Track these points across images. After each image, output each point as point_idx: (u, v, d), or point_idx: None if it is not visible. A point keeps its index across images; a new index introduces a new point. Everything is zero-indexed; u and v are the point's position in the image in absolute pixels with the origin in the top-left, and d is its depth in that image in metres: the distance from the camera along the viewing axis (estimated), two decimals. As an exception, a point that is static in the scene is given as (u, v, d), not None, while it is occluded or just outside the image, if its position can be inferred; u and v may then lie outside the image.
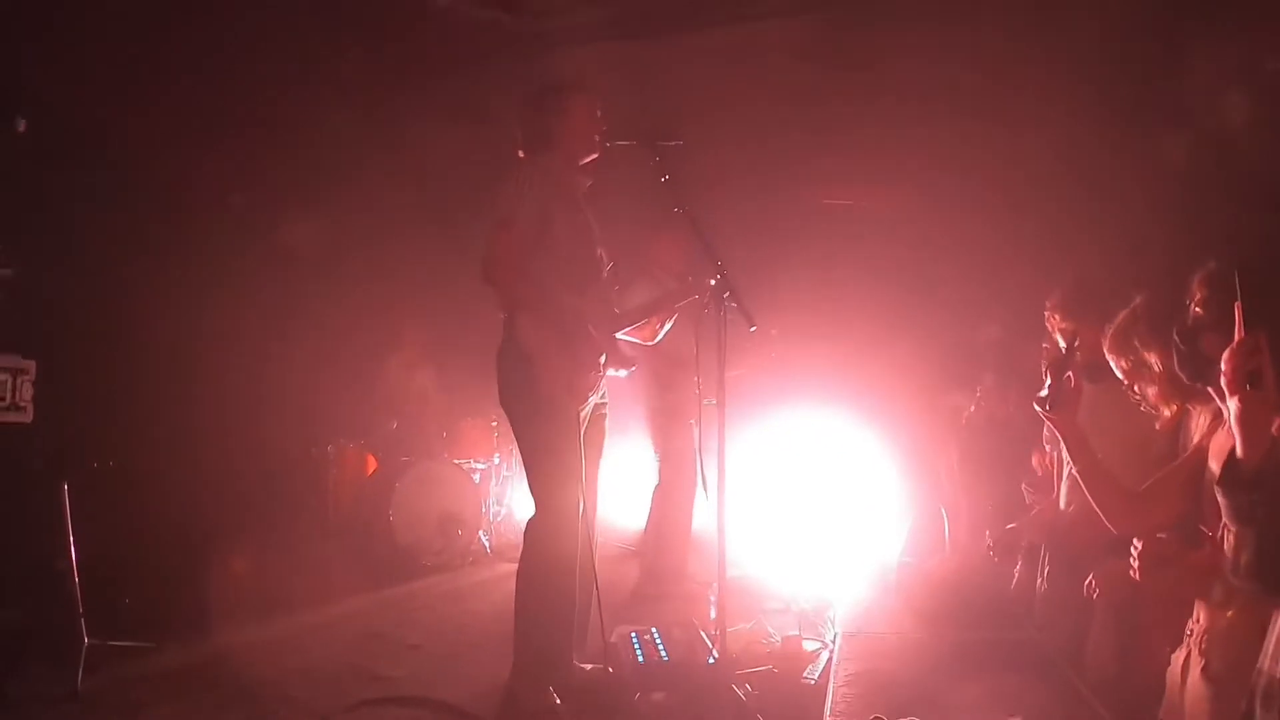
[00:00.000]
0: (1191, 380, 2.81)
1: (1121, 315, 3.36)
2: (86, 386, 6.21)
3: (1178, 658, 2.85)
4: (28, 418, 5.57)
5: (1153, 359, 3.21)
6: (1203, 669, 2.68)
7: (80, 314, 6.41)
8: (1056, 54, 6.33)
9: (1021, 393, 5.43)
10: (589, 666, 4.29)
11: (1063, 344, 4.38)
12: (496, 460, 8.69)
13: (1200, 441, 2.96)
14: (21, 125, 5.03)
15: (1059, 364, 3.21)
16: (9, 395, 5.48)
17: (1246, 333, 2.29)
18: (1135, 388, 3.37)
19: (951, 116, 6.91)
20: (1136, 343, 3.27)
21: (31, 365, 5.63)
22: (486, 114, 7.31)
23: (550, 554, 4.02)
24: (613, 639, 4.59)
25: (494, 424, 8.65)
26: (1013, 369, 5.81)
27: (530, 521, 4.13)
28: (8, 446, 4.86)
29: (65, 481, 4.69)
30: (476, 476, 8.18)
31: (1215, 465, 2.79)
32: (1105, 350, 3.38)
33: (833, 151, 6.90)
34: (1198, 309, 2.80)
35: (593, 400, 4.27)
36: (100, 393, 6.39)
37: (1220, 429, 2.84)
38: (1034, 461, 4.92)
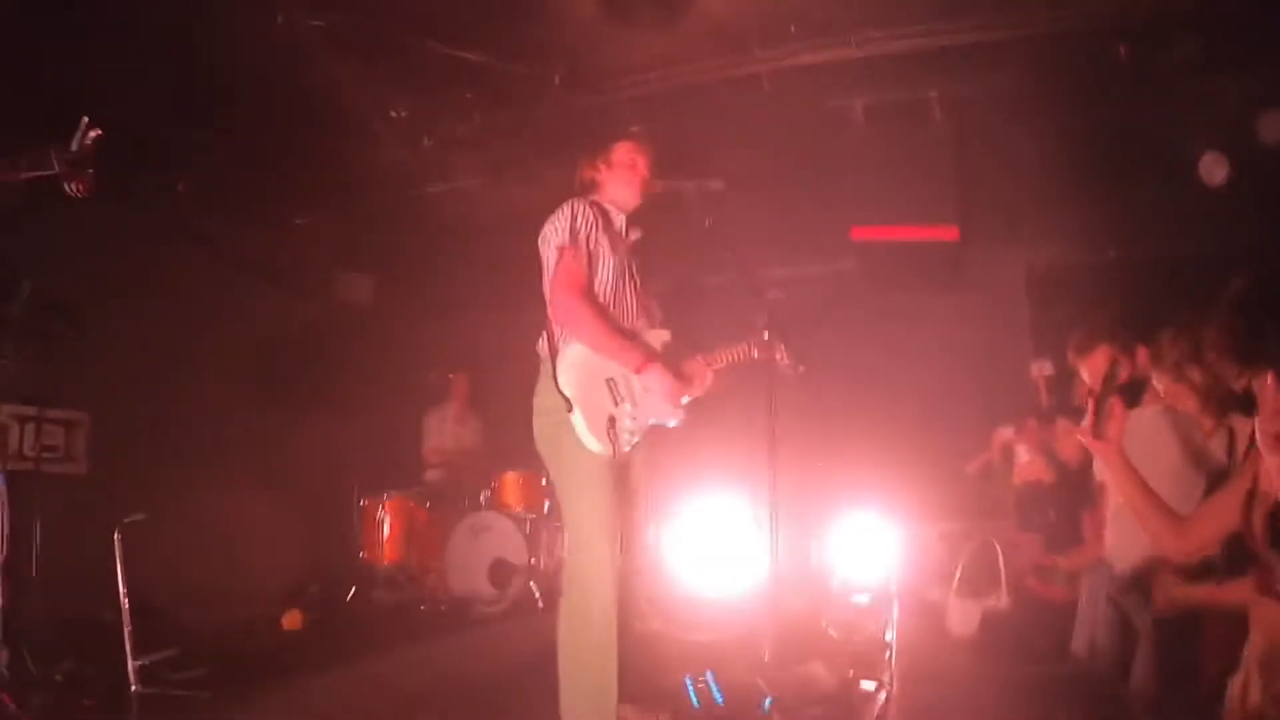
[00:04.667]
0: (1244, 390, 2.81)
1: (1165, 333, 3.33)
2: (139, 438, 6.32)
3: (1235, 682, 2.77)
4: (82, 469, 5.70)
5: (1194, 374, 3.16)
6: (1263, 690, 2.60)
7: (133, 368, 6.52)
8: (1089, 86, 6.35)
9: (1070, 428, 5.39)
10: (642, 713, 4.22)
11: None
12: (547, 509, 8.67)
13: (1247, 464, 2.91)
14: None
15: (1101, 392, 3.19)
16: (64, 446, 5.61)
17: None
18: (1177, 404, 3.33)
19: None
20: (1177, 360, 3.23)
21: (85, 417, 5.78)
22: (531, 165, 7.45)
23: (583, 599, 3.96)
24: (668, 683, 4.54)
25: (543, 474, 8.66)
26: (1060, 405, 5.77)
27: (565, 567, 4.10)
28: (63, 496, 4.95)
29: (117, 531, 4.74)
30: (527, 526, 8.17)
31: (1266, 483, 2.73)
32: (1151, 367, 3.34)
33: (865, 184, 6.87)
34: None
35: (629, 444, 4.18)
36: (153, 444, 6.48)
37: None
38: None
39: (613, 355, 4.00)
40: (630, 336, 4.10)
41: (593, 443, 3.94)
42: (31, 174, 3.37)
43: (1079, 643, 4.03)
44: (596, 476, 3.97)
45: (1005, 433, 5.95)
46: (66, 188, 3.39)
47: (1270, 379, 2.34)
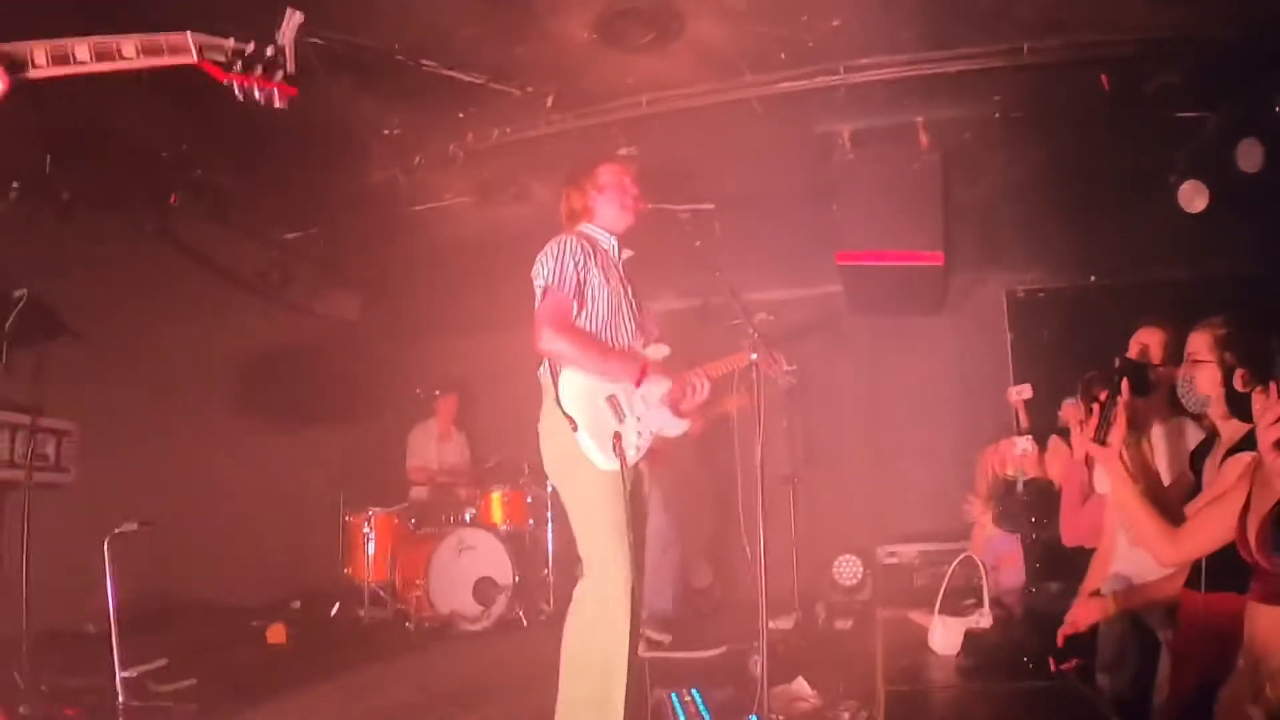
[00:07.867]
0: (1242, 421, 2.89)
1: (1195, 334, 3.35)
2: (127, 449, 6.29)
3: (1226, 691, 2.81)
4: (71, 478, 5.69)
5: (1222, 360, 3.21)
6: (1254, 698, 2.63)
7: (122, 380, 6.51)
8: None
9: (1060, 445, 5.45)
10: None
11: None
12: (532, 525, 8.67)
13: (1242, 476, 2.94)
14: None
15: (1106, 402, 3.23)
16: (54, 456, 5.59)
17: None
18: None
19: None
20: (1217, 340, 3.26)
21: (74, 427, 5.77)
22: (522, 186, 7.51)
23: (594, 617, 3.96)
24: (653, 700, 4.54)
25: (528, 492, 8.66)
26: (1038, 429, 5.82)
27: (578, 585, 4.09)
28: (51, 506, 4.93)
29: (105, 541, 4.74)
30: (512, 544, 8.17)
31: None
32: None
33: (852, 208, 6.94)
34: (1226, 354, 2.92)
35: (635, 459, 4.18)
36: (141, 455, 6.45)
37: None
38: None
39: (609, 375, 4.04)
40: (622, 353, 4.13)
41: (600, 459, 3.96)
42: None
43: (1104, 657, 4.05)
44: (607, 493, 3.97)
45: (1024, 442, 5.89)
46: None
47: (1274, 387, 2.41)
